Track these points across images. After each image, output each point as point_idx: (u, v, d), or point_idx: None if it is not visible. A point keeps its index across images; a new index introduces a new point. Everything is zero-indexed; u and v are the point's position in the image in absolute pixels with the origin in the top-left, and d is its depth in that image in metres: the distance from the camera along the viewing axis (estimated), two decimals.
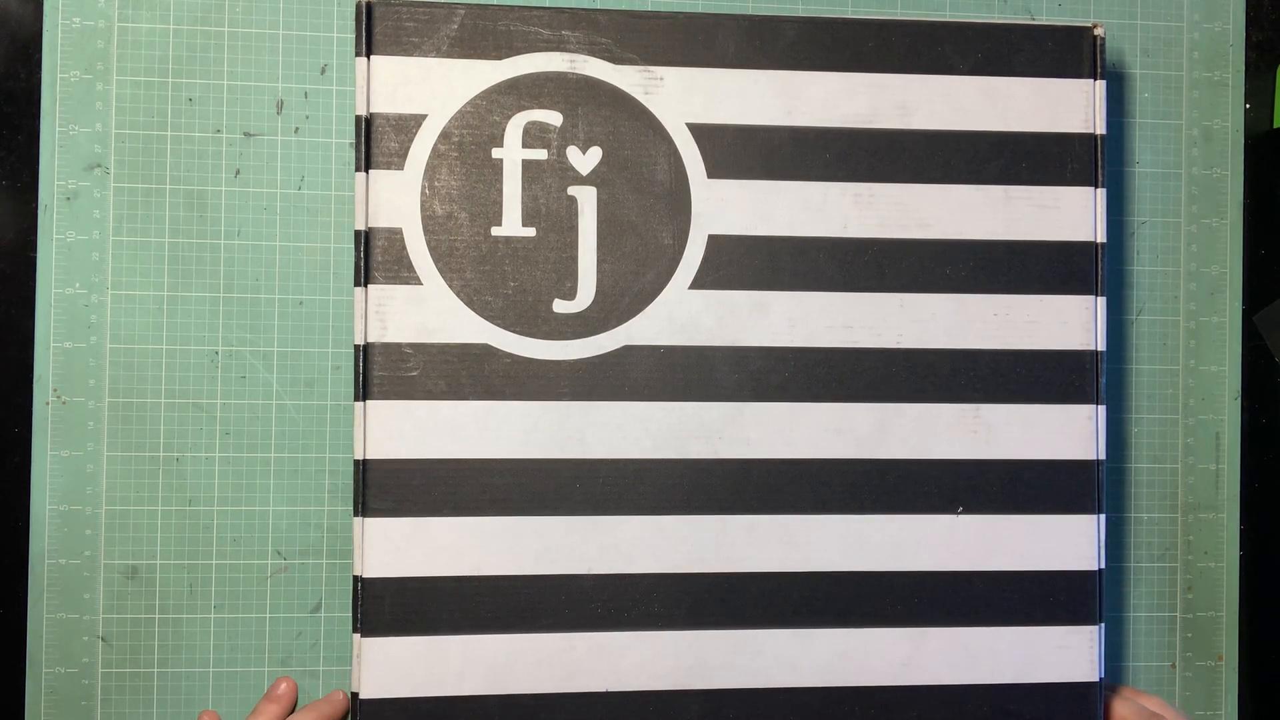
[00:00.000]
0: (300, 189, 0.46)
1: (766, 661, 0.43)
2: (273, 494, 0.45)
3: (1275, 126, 0.50)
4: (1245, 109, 0.50)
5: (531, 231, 0.42)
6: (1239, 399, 0.49)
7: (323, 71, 0.46)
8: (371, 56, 0.42)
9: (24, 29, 0.45)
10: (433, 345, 0.42)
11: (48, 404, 0.45)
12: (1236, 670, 0.49)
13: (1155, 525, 0.49)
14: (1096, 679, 0.43)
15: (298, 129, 0.46)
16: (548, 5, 0.46)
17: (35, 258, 0.45)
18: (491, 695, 0.42)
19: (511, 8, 0.43)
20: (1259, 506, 0.50)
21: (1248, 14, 0.50)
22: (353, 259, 0.45)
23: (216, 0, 0.46)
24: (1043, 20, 0.48)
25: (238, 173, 0.45)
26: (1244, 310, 0.50)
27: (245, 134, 0.45)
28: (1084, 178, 0.44)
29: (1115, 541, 0.48)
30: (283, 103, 0.45)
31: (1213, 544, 0.49)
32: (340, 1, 0.46)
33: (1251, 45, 0.50)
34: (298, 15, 0.46)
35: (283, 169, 0.46)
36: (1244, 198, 0.50)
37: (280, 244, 0.46)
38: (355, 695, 0.41)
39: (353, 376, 0.44)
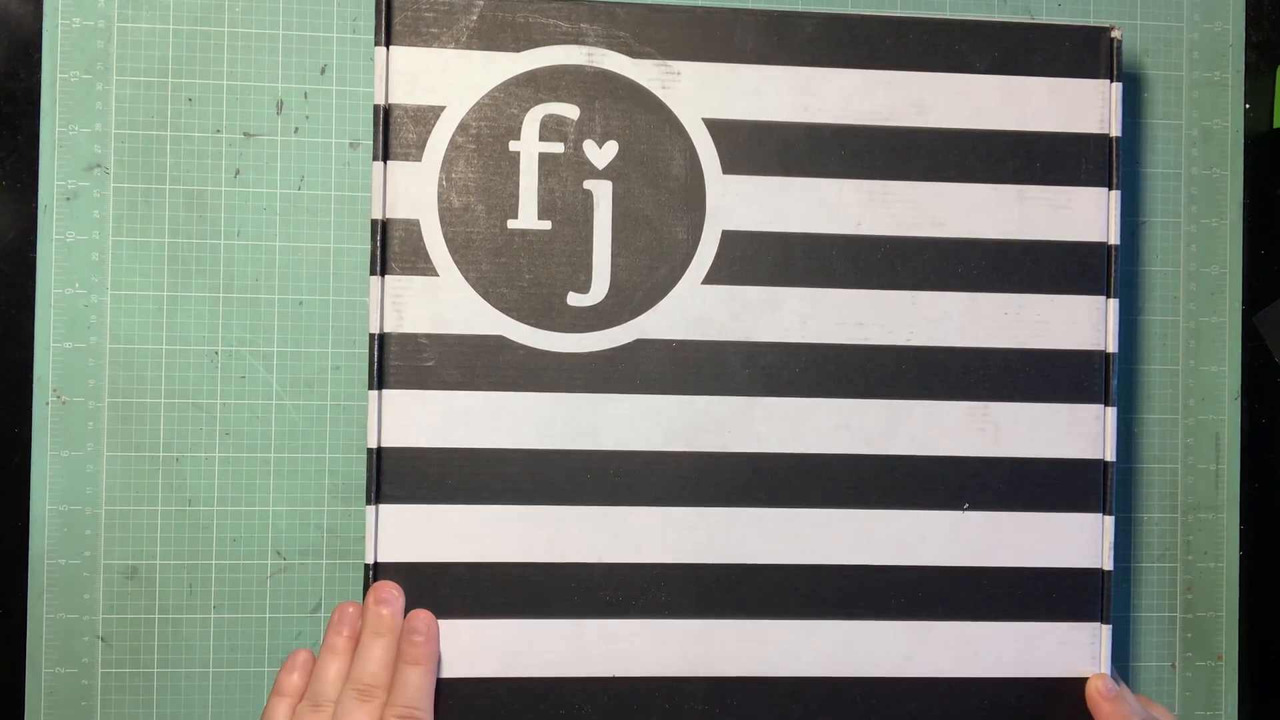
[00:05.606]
0: (300, 189, 0.46)
1: (771, 651, 0.43)
2: (273, 494, 0.46)
3: (1275, 126, 0.50)
4: (1245, 109, 0.50)
5: (547, 225, 0.43)
6: (1239, 399, 0.50)
7: (323, 72, 0.46)
8: (390, 47, 0.42)
9: (24, 29, 0.45)
10: (448, 336, 0.42)
11: (48, 404, 0.45)
12: (1236, 670, 0.49)
13: (1155, 525, 0.49)
14: (1097, 674, 0.44)
15: (298, 129, 0.46)
16: None
17: (35, 258, 0.45)
18: (501, 678, 0.42)
19: (530, 0, 0.43)
20: (1259, 506, 0.50)
21: (1248, 14, 0.50)
22: (352, 259, 0.46)
23: (216, 0, 0.46)
24: (1044, 19, 0.48)
25: (238, 173, 0.46)
26: (1244, 310, 0.50)
27: (245, 134, 0.46)
28: (1098, 178, 0.45)
29: (1116, 542, 0.49)
30: (283, 103, 0.45)
31: (1213, 544, 0.49)
32: (340, 2, 0.46)
33: (1251, 45, 0.50)
34: (298, 15, 0.46)
35: (283, 169, 0.46)
36: (1244, 198, 0.50)
37: (280, 244, 0.46)
38: None
39: (366, 367, 0.44)
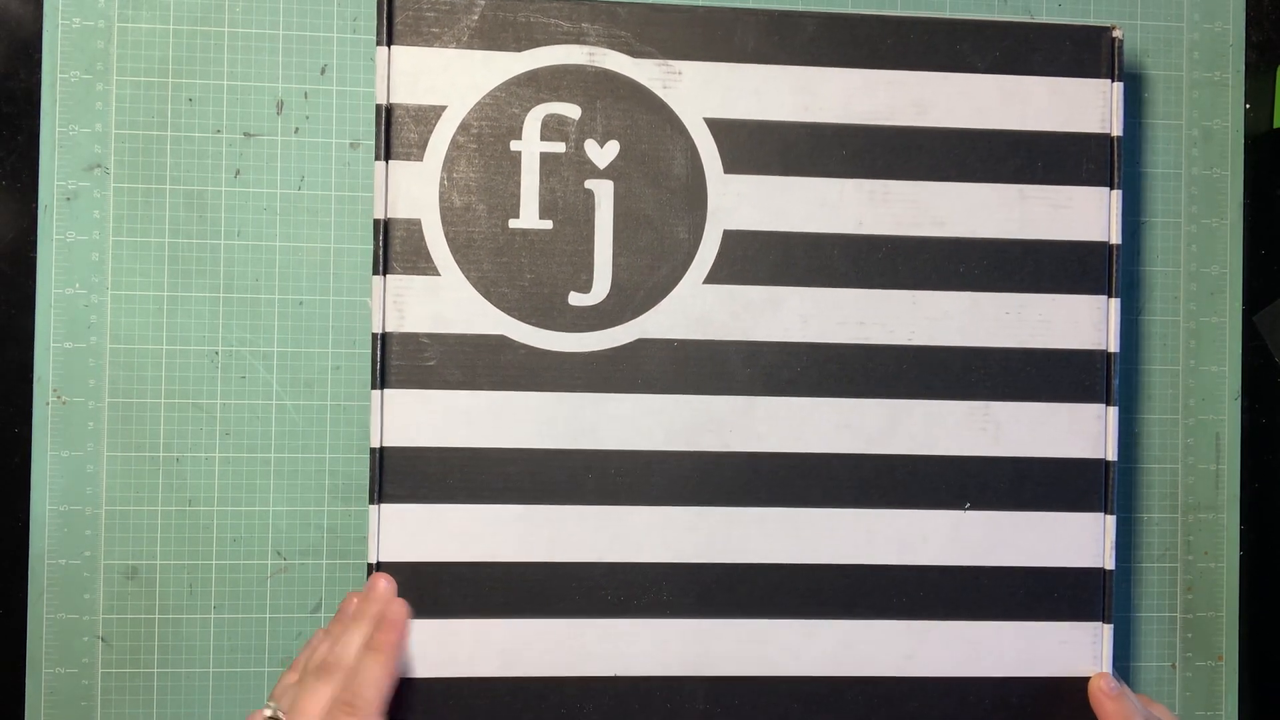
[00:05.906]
0: (300, 189, 0.46)
1: (772, 651, 0.43)
2: (273, 494, 0.46)
3: (1275, 126, 0.50)
4: (1245, 109, 0.50)
5: (548, 224, 0.43)
6: (1239, 399, 0.50)
7: (323, 72, 0.46)
8: (392, 46, 0.42)
9: (24, 29, 0.45)
10: (450, 336, 0.42)
11: (48, 404, 0.45)
12: (1236, 670, 0.49)
13: (1155, 525, 0.49)
14: (1099, 673, 0.44)
15: (298, 129, 0.46)
16: None
17: (35, 258, 0.45)
18: (502, 678, 0.42)
19: (531, 0, 0.43)
20: (1259, 506, 0.50)
21: (1248, 14, 0.50)
22: (352, 259, 0.46)
23: (216, 0, 0.46)
24: (1044, 19, 0.48)
25: (238, 173, 0.46)
26: (1244, 310, 0.50)
27: (245, 134, 0.46)
28: (1099, 178, 0.45)
29: (1117, 541, 0.49)
30: (283, 103, 0.45)
31: (1213, 544, 0.50)
32: (340, 2, 0.46)
33: (1251, 45, 0.50)
34: (298, 15, 0.46)
35: (283, 169, 0.46)
36: (1244, 198, 0.50)
37: (280, 244, 0.46)
38: None
39: (366, 367, 0.45)
